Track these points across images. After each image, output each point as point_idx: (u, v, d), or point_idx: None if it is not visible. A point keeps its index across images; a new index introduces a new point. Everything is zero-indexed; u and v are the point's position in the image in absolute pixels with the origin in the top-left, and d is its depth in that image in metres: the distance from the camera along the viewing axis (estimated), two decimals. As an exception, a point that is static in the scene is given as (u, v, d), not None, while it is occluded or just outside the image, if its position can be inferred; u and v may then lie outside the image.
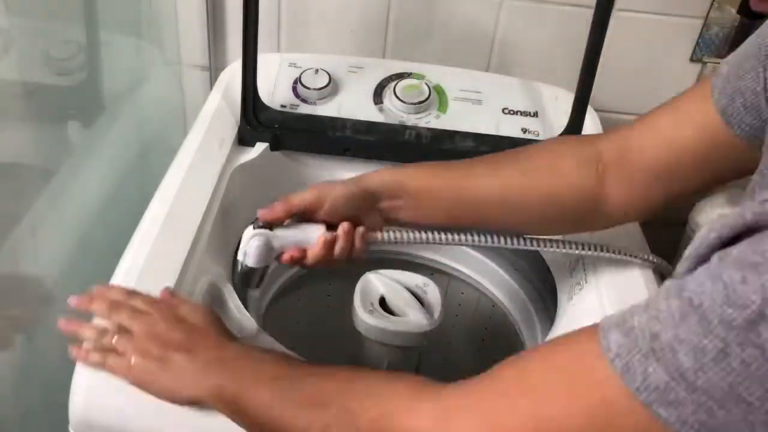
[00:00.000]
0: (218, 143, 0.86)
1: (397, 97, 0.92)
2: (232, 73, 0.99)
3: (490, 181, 0.68)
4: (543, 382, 0.43)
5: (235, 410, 0.55)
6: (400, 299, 0.80)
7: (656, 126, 0.64)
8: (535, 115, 0.94)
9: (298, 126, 0.90)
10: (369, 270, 0.86)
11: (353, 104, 0.93)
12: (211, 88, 0.99)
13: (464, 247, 0.97)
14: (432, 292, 0.84)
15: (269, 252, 0.64)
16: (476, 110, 0.94)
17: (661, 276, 0.73)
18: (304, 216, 0.67)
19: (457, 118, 0.93)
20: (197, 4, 1.10)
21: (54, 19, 0.92)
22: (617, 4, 1.06)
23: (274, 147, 0.88)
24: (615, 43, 1.09)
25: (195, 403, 0.57)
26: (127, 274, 0.68)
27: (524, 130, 0.92)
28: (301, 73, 0.94)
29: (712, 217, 1.04)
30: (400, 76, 0.96)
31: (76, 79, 0.95)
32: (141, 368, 0.57)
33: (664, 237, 0.98)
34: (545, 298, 0.86)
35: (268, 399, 0.54)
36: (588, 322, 0.68)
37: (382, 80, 0.95)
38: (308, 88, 0.93)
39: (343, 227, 0.66)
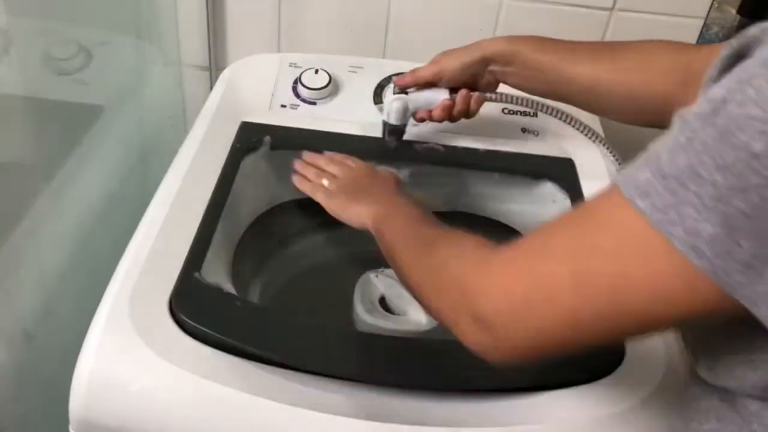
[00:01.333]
0: (218, 143, 0.86)
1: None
2: (232, 73, 0.99)
3: (585, 69, 0.76)
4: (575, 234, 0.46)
5: (379, 231, 0.69)
6: (400, 298, 0.80)
7: None
8: (535, 115, 0.94)
9: (298, 126, 0.90)
10: (369, 269, 0.86)
11: (353, 104, 0.93)
12: (211, 88, 0.99)
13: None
14: (432, 291, 0.84)
15: (406, 111, 0.83)
16: (476, 110, 0.94)
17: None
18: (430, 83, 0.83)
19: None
20: (197, 4, 1.10)
21: (54, 19, 0.92)
22: (617, 4, 1.06)
23: (274, 147, 0.88)
24: (615, 43, 1.09)
25: (364, 225, 0.72)
26: (127, 274, 0.67)
27: (524, 130, 0.93)
28: (301, 73, 0.94)
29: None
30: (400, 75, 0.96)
31: (76, 80, 0.95)
32: (337, 200, 0.78)
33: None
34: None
35: (399, 227, 0.67)
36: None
37: (382, 80, 0.95)
38: (308, 88, 0.93)
39: (462, 94, 0.82)
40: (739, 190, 0.36)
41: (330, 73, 0.94)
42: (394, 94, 0.83)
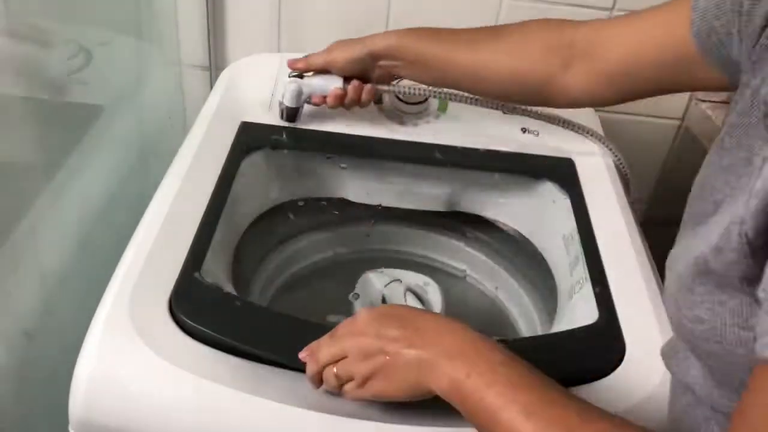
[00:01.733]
0: (218, 143, 0.86)
1: (397, 97, 0.92)
2: (232, 73, 0.99)
3: (468, 56, 0.79)
4: None
5: (465, 394, 0.50)
6: (400, 298, 0.80)
7: (630, 30, 0.69)
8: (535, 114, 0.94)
9: (298, 126, 0.90)
10: (369, 269, 0.86)
11: (353, 104, 0.93)
12: (211, 88, 0.99)
13: (466, 247, 0.97)
14: (432, 291, 0.85)
15: (300, 95, 0.86)
16: (476, 110, 0.93)
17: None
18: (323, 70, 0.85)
19: (457, 118, 0.93)
20: (197, 4, 1.10)
21: (54, 19, 0.92)
22: (617, 4, 1.06)
23: (274, 147, 0.88)
24: (615, 42, 1.09)
25: (429, 394, 0.53)
26: (127, 274, 0.67)
27: (524, 130, 0.93)
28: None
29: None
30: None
31: (76, 80, 0.95)
32: (372, 384, 0.55)
33: (664, 237, 0.98)
34: (545, 296, 0.86)
35: (502, 384, 0.49)
36: (588, 321, 0.68)
37: (382, 80, 0.95)
38: (308, 88, 0.93)
39: (353, 85, 0.84)
40: None
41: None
42: (289, 76, 0.86)
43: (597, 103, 0.79)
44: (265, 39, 1.13)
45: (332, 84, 0.84)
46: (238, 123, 0.89)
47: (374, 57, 0.82)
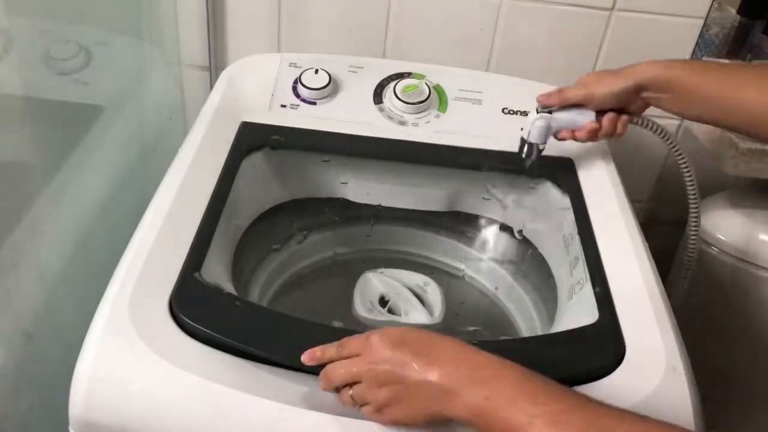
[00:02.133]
0: (219, 143, 0.86)
1: (397, 97, 0.92)
2: (232, 73, 0.99)
3: (756, 96, 0.70)
4: None
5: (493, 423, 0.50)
6: (400, 298, 0.80)
7: None
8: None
9: (298, 126, 0.90)
10: (369, 269, 0.86)
11: (353, 104, 0.93)
12: (211, 88, 0.99)
13: (466, 247, 0.97)
14: (432, 291, 0.85)
15: (548, 131, 0.81)
16: (476, 110, 0.94)
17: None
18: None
19: (457, 118, 0.93)
20: (197, 4, 1.10)
21: (54, 19, 0.92)
22: (617, 4, 1.06)
23: (274, 147, 0.88)
24: (615, 43, 1.09)
25: (460, 419, 0.52)
26: (127, 274, 0.67)
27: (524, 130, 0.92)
28: (301, 73, 0.94)
29: (713, 217, 1.04)
30: (400, 76, 0.96)
31: (76, 80, 0.95)
32: (391, 410, 0.55)
33: (664, 237, 0.98)
34: (545, 296, 0.86)
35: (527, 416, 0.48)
36: (588, 321, 0.68)
37: (382, 80, 0.95)
38: (308, 88, 0.93)
39: (609, 118, 0.80)
40: None
41: (330, 73, 0.94)
42: (537, 112, 0.82)
43: None
44: (265, 39, 1.13)
45: (585, 118, 0.81)
46: (238, 123, 0.89)
47: (639, 89, 0.78)
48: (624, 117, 0.80)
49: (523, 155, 0.83)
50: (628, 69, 0.78)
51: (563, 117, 0.81)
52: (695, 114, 0.77)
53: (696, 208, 0.85)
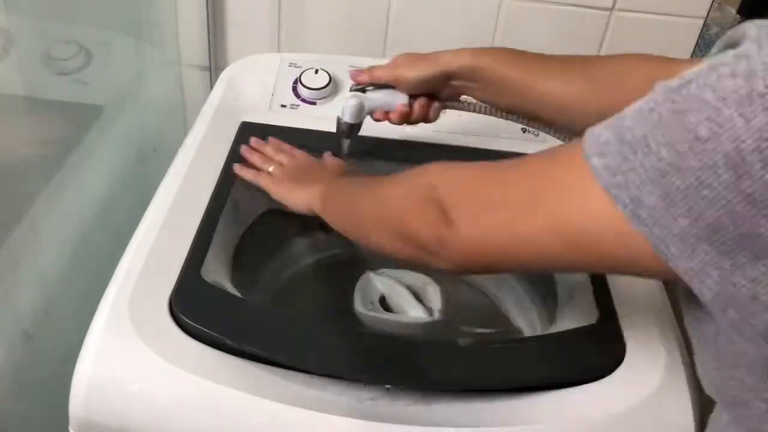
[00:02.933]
0: (219, 143, 0.86)
1: (397, 96, 0.92)
2: (232, 73, 0.99)
3: (557, 85, 0.72)
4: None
5: (326, 205, 0.72)
6: (400, 298, 0.80)
7: None
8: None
9: (298, 126, 0.90)
10: (369, 269, 0.86)
11: (353, 104, 0.93)
12: (211, 88, 0.99)
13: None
14: (432, 291, 0.85)
15: (362, 110, 0.80)
16: (476, 110, 0.93)
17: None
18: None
19: (457, 118, 0.93)
20: (197, 4, 1.10)
21: (54, 19, 0.92)
22: (617, 4, 1.06)
23: (274, 147, 0.88)
24: (615, 43, 1.09)
25: (311, 207, 0.75)
26: (127, 274, 0.67)
27: (524, 130, 0.93)
28: (301, 73, 0.94)
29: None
30: (400, 75, 0.96)
31: (76, 80, 0.95)
32: (284, 185, 0.79)
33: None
34: (545, 296, 0.86)
35: (346, 192, 0.71)
36: (588, 321, 0.68)
37: (383, 80, 0.95)
38: (308, 88, 0.93)
39: (420, 102, 0.79)
40: (678, 168, 0.38)
41: (330, 73, 0.94)
42: (351, 89, 0.81)
43: None
44: (265, 39, 1.13)
45: (397, 100, 0.79)
46: (238, 123, 0.89)
47: (447, 76, 0.77)
48: (436, 103, 0.79)
49: (338, 133, 0.82)
50: (438, 55, 0.77)
51: (377, 97, 0.79)
52: (504, 103, 0.76)
53: None
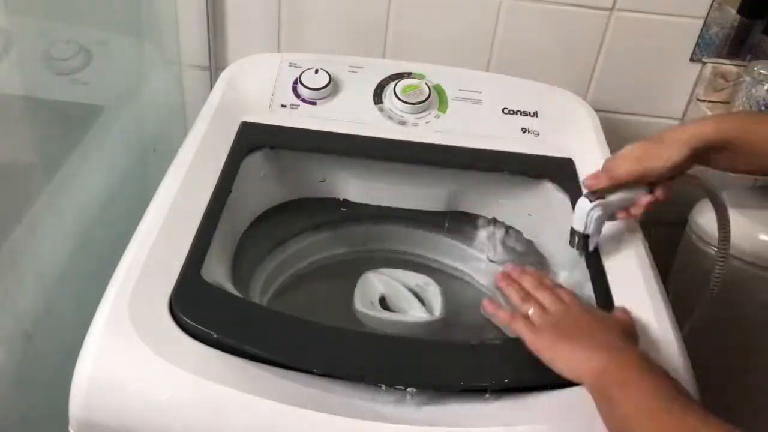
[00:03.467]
0: (219, 143, 0.86)
1: (397, 97, 0.92)
2: (232, 73, 0.99)
3: None
4: None
5: (609, 396, 0.56)
6: (400, 298, 0.80)
7: None
8: (535, 115, 0.94)
9: (298, 126, 0.90)
10: (369, 269, 0.86)
11: (353, 104, 0.93)
12: (211, 88, 0.99)
13: (464, 246, 0.97)
14: (432, 291, 0.85)
15: (604, 219, 0.73)
16: (476, 110, 0.94)
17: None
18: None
19: (457, 118, 0.93)
20: (197, 4, 1.10)
21: (54, 19, 0.92)
22: (617, 4, 1.06)
23: (274, 147, 0.88)
24: (615, 43, 1.09)
25: (581, 379, 0.59)
26: (127, 274, 0.67)
27: (524, 130, 0.93)
28: (301, 73, 0.94)
29: (713, 218, 1.04)
30: (400, 76, 0.96)
31: (76, 80, 0.95)
32: (545, 339, 0.63)
33: (664, 237, 0.98)
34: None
35: (642, 398, 0.54)
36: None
37: (382, 80, 0.95)
38: (308, 88, 0.93)
39: (667, 185, 0.74)
40: None
41: (330, 73, 0.94)
42: (589, 200, 0.72)
43: None
44: (265, 39, 1.13)
45: (639, 195, 0.74)
46: (238, 123, 0.89)
47: (694, 154, 0.71)
48: (675, 179, 0.74)
49: (576, 247, 0.75)
50: (679, 133, 0.72)
51: (617, 199, 0.73)
52: (745, 167, 0.73)
53: (725, 249, 0.81)
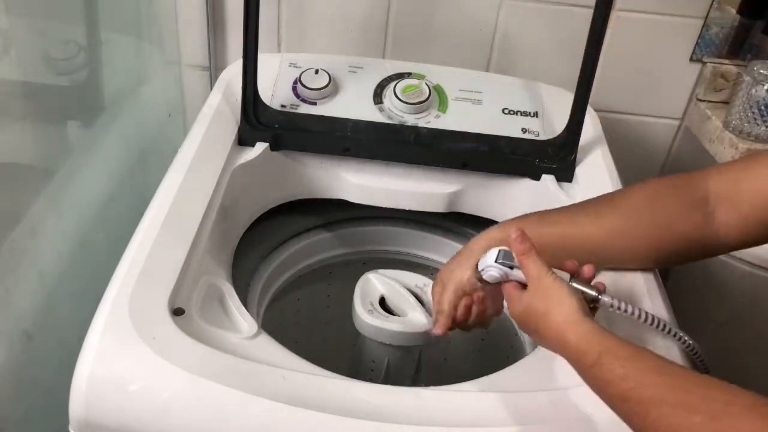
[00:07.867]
0: (218, 143, 0.86)
1: (397, 97, 0.92)
2: (232, 73, 0.99)
3: (593, 228, 0.71)
4: None
5: (599, 359, 0.55)
6: (400, 299, 0.80)
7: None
8: (535, 115, 0.94)
9: (298, 126, 0.90)
10: (369, 269, 0.86)
11: (353, 104, 0.93)
12: (211, 88, 0.99)
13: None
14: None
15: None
16: (476, 110, 0.94)
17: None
18: None
19: (457, 118, 0.93)
20: (197, 4, 1.10)
21: (54, 19, 0.92)
22: (617, 4, 1.06)
23: (274, 147, 0.88)
24: (615, 43, 1.09)
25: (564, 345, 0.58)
26: (127, 274, 0.67)
27: (524, 130, 0.93)
28: (301, 73, 0.94)
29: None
30: (400, 76, 0.96)
31: (76, 79, 0.95)
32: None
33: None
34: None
35: (626, 356, 0.54)
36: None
37: (382, 80, 0.95)
38: (308, 88, 0.93)
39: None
40: None
41: (330, 73, 0.94)
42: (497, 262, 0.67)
43: (756, 241, 0.69)
44: (265, 39, 1.13)
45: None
46: (238, 123, 0.89)
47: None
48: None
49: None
50: (473, 246, 0.73)
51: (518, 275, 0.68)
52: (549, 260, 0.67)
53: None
